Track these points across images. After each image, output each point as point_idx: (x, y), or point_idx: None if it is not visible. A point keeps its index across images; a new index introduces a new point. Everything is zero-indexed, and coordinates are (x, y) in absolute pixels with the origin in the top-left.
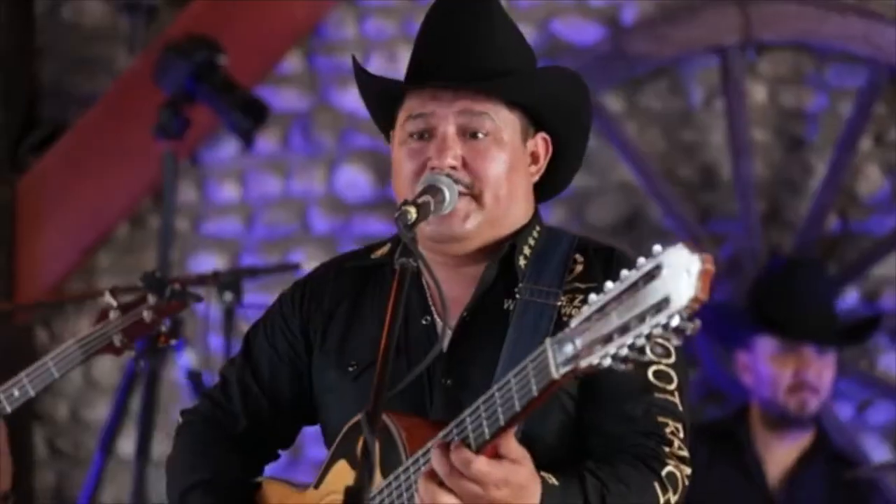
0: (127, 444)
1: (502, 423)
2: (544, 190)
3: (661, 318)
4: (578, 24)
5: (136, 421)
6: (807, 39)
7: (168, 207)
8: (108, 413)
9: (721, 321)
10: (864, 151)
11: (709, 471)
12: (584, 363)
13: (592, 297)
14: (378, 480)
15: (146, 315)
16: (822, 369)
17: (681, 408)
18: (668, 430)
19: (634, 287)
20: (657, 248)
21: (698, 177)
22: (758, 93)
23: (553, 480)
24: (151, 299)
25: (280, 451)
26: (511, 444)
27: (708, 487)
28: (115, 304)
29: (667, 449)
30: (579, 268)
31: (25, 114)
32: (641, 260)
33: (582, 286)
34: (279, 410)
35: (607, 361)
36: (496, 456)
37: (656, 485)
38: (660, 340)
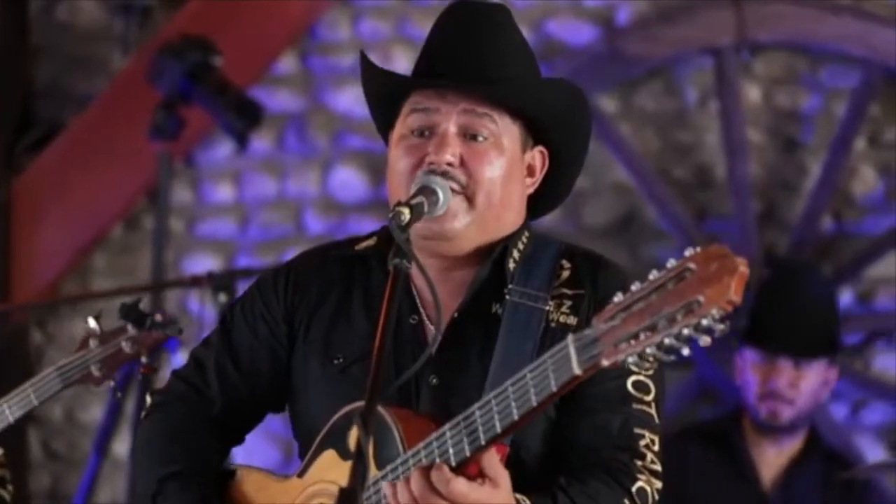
0: (122, 446)
1: (515, 417)
2: (541, 203)
3: (693, 319)
4: (573, 25)
5: (131, 422)
6: (802, 40)
7: (163, 208)
8: (103, 414)
9: None
10: (859, 152)
11: (702, 471)
12: (606, 361)
13: (618, 296)
14: (372, 472)
15: (126, 346)
16: (797, 380)
17: (657, 419)
18: (642, 442)
19: (664, 287)
20: (689, 249)
21: (693, 177)
22: (752, 93)
23: (527, 502)
24: (132, 330)
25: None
26: (494, 461)
27: (702, 488)
28: (98, 331)
29: (639, 463)
30: (566, 273)
31: (20, 114)
32: (672, 261)
33: (569, 292)
34: (255, 395)
35: (632, 359)
36: (478, 474)
37: (626, 501)
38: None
